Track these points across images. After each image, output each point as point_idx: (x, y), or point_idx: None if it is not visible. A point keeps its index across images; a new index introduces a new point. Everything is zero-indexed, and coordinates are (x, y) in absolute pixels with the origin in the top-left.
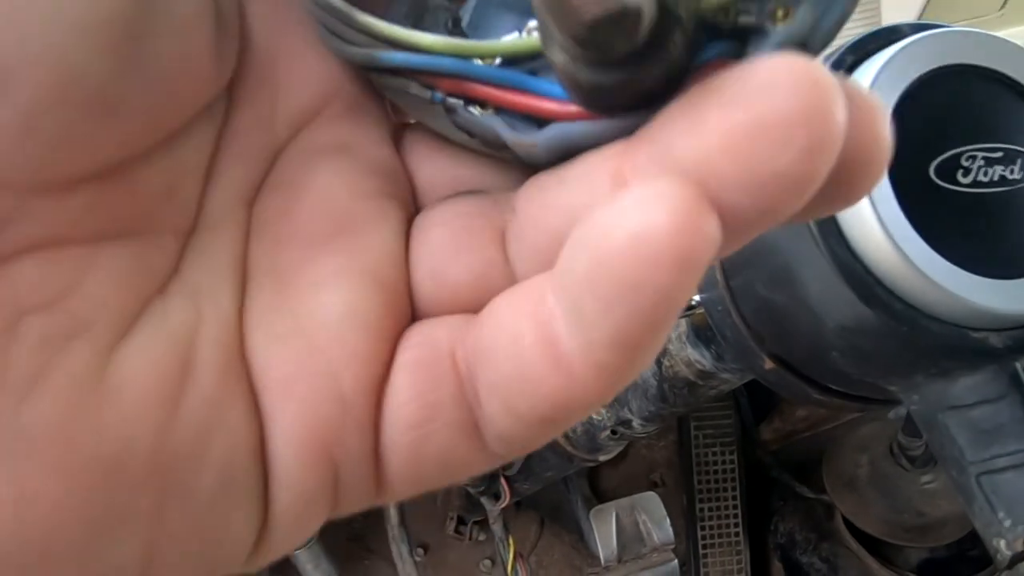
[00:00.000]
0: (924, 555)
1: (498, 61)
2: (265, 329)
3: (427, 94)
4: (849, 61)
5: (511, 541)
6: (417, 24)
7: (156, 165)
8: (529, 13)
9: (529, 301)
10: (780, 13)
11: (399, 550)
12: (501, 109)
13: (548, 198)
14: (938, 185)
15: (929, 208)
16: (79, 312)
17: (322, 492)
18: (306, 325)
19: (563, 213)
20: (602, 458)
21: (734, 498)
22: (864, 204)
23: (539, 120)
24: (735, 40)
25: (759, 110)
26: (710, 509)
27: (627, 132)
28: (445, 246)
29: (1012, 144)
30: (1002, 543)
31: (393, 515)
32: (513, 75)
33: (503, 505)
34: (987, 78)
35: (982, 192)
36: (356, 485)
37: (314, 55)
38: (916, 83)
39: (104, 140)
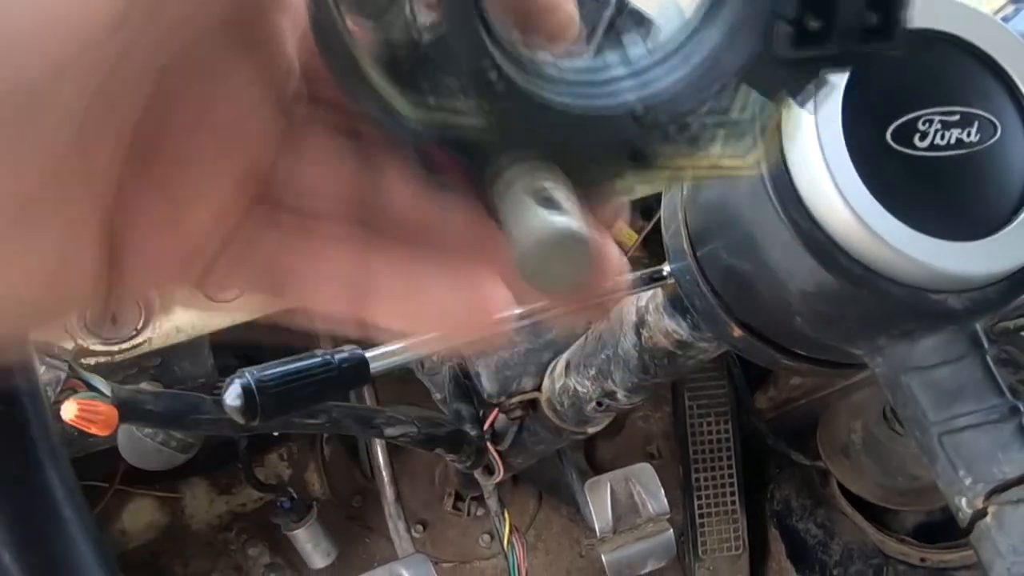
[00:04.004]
0: (919, 518)
1: None
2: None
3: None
4: None
5: (507, 515)
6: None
7: None
8: None
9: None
10: None
11: (395, 527)
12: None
13: None
14: (895, 150)
15: (886, 173)
16: None
17: None
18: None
19: None
20: (591, 430)
21: (730, 467)
22: (822, 171)
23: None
24: None
25: None
26: (706, 479)
27: None
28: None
29: (968, 107)
30: (963, 501)
31: (389, 493)
32: None
33: (497, 480)
34: (942, 41)
35: (939, 156)
36: None
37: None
38: None
39: None
